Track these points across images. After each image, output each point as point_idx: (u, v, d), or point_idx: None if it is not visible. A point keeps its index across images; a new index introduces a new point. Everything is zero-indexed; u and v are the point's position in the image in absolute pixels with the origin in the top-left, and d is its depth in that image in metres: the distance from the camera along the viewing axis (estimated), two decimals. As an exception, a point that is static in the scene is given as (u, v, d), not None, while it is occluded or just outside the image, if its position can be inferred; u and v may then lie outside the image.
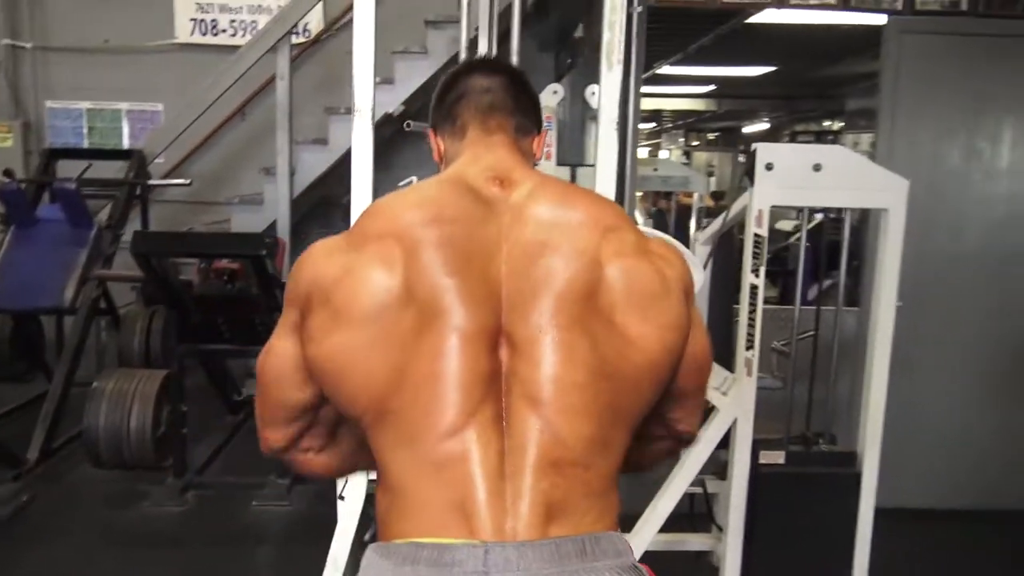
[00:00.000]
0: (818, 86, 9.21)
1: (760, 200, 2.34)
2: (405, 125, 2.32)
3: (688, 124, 13.91)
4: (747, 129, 13.65)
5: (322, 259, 1.05)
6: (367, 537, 2.39)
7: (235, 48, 5.13)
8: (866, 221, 3.51)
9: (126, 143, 6.03)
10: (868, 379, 2.45)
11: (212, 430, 4.35)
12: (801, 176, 2.32)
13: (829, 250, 3.60)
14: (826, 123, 12.11)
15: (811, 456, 2.52)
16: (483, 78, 1.21)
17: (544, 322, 0.98)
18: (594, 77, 2.28)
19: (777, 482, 2.45)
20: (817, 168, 2.32)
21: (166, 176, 5.67)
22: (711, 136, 14.99)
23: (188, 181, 4.99)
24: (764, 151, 2.33)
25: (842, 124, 11.07)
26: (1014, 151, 3.48)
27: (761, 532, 2.45)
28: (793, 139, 12.05)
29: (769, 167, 2.32)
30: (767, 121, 12.68)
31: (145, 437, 3.34)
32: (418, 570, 0.90)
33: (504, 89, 1.20)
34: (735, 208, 2.54)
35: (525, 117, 1.22)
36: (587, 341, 0.98)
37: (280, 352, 1.07)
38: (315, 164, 5.29)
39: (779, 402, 2.60)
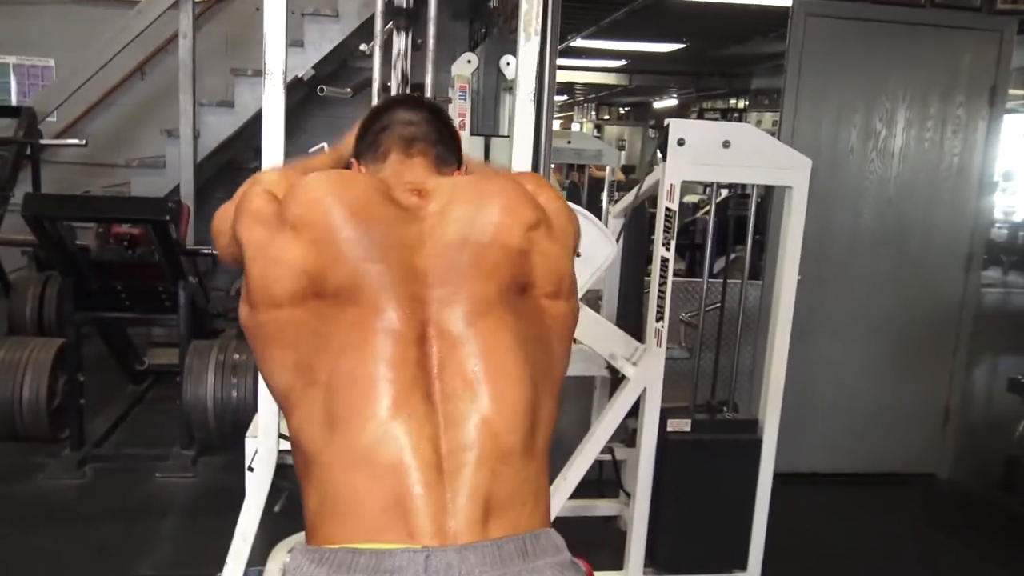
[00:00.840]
0: (725, 64, 9.46)
1: (672, 175, 2.39)
2: (319, 90, 2.27)
3: (600, 98, 14.05)
4: (657, 104, 13.88)
5: (256, 222, 1.08)
6: (277, 508, 2.36)
7: (134, 3, 4.88)
8: (769, 197, 3.63)
9: (14, 100, 5.69)
10: (770, 350, 2.55)
11: (113, 401, 4.20)
12: (711, 152, 2.38)
13: (735, 225, 3.72)
14: (732, 101, 12.44)
15: (715, 424, 2.61)
16: (407, 112, 1.27)
17: (470, 304, 1.00)
18: (508, 47, 2.27)
19: (683, 449, 2.53)
20: (726, 145, 2.38)
21: (59, 136, 5.39)
22: (622, 111, 15.19)
23: (83, 141, 4.75)
24: (676, 127, 2.37)
25: (746, 103, 11.41)
26: (906, 133, 3.65)
27: (667, 497, 2.54)
28: (701, 116, 12.32)
29: (681, 143, 2.37)
30: (676, 97, 12.92)
31: (39, 408, 3.19)
32: None
33: (427, 123, 1.26)
34: (647, 182, 2.59)
35: (446, 149, 1.27)
36: (512, 316, 1.02)
37: (222, 225, 1.16)
38: (220, 127, 5.12)
39: (686, 372, 2.68)
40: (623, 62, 9.84)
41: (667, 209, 2.39)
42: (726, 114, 12.28)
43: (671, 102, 13.27)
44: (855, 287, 3.73)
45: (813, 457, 3.75)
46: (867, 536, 3.42)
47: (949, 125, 3.67)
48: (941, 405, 3.88)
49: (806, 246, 2.49)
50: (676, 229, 2.40)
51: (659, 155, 2.45)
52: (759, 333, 3.26)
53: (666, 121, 2.42)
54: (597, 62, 9.68)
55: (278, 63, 2.00)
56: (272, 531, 2.25)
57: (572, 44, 7.14)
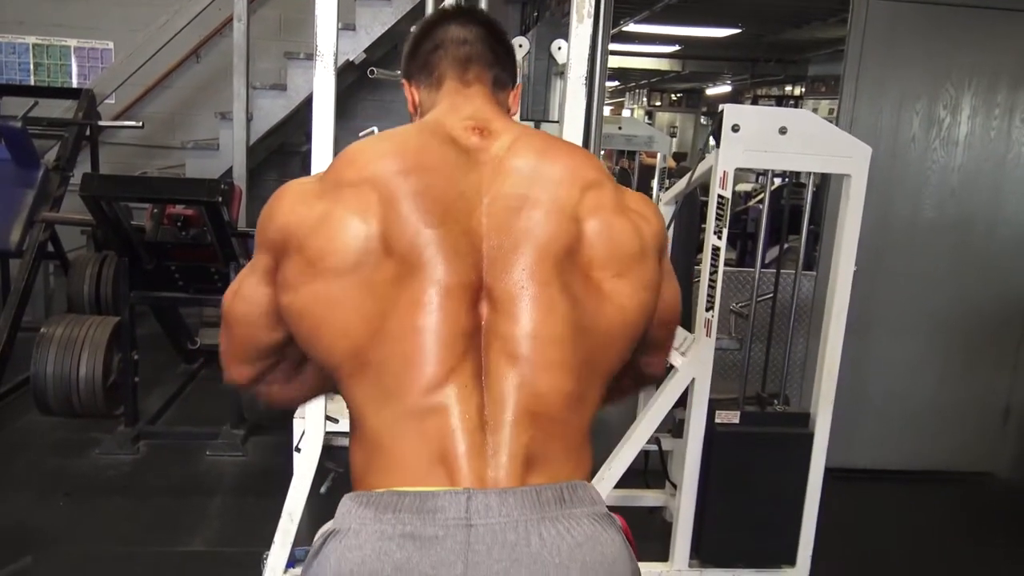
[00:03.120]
0: (782, 50, 9.23)
1: (725, 162, 2.34)
2: (369, 72, 2.26)
3: (652, 84, 13.86)
4: (710, 91, 13.64)
5: (297, 203, 1.02)
6: (323, 490, 2.39)
7: (191, -14, 4.94)
8: (825, 186, 3.55)
9: (75, 82, 5.82)
10: (824, 343, 2.49)
11: (165, 379, 4.30)
12: (766, 139, 2.32)
13: (789, 214, 3.63)
14: (787, 88, 12.17)
15: (765, 416, 2.56)
16: (460, 29, 1.18)
17: (524, 278, 0.97)
18: (560, 31, 2.24)
19: (731, 441, 2.49)
20: (783, 131, 2.32)
21: (117, 118, 5.50)
22: (674, 97, 14.98)
23: (139, 123, 4.84)
24: (731, 112, 2.32)
25: (803, 89, 11.14)
26: (971, 121, 3.52)
27: (714, 490, 2.50)
28: (755, 102, 12.08)
29: (735, 129, 2.32)
30: (730, 84, 12.69)
31: (95, 385, 3.27)
32: (400, 517, 0.89)
33: (482, 41, 1.18)
34: (700, 169, 2.54)
35: (503, 70, 1.20)
36: (566, 297, 0.98)
37: (249, 296, 1.06)
38: (273, 110, 5.17)
39: (735, 363, 2.64)
40: (676, 47, 9.68)
41: (719, 197, 2.34)
42: (781, 101, 12.02)
43: (725, 88, 13.03)
44: (913, 279, 3.63)
45: (865, 453, 3.67)
46: (919, 535, 3.33)
47: (1018, 113, 3.53)
48: (1002, 402, 3.76)
49: (863, 236, 2.42)
50: (728, 217, 2.35)
51: (712, 141, 2.40)
52: (812, 325, 3.20)
53: (720, 107, 2.36)
54: (650, 47, 9.53)
55: (329, 45, 2.00)
56: (319, 511, 2.27)
57: (625, 29, 7.03)
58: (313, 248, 0.97)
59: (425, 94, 1.19)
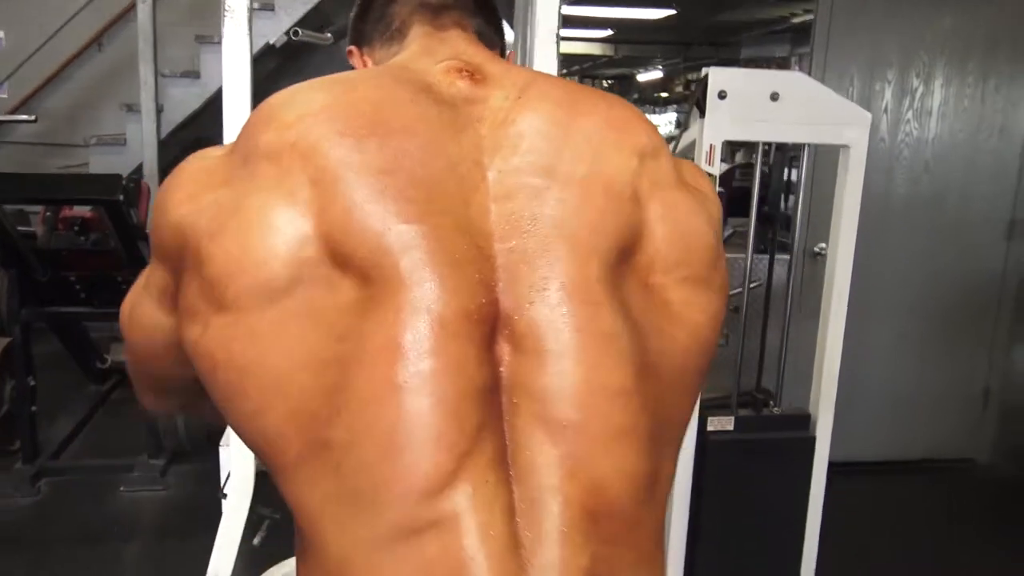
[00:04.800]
0: (715, 33, 9.08)
1: (711, 134, 2.04)
2: (293, 33, 1.88)
3: (583, 70, 13.63)
4: (641, 77, 13.48)
5: (193, 189, 0.67)
6: (256, 541, 2.01)
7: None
8: (778, 163, 3.31)
9: (-43, 73, 5.23)
10: (822, 335, 2.22)
11: (71, 405, 3.81)
12: (757, 107, 2.03)
13: (739, 196, 3.37)
14: (699, 79, 12.06)
15: (762, 420, 2.28)
16: None
17: (562, 297, 0.62)
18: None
19: (726, 450, 2.20)
20: (774, 98, 2.03)
21: (11, 113, 4.96)
22: (606, 83, 14.79)
23: (32, 117, 4.32)
24: (718, 77, 2.02)
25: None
26: (944, 90, 3.31)
27: (708, 504, 2.21)
28: (687, 88, 11.96)
29: (722, 95, 2.02)
30: (661, 68, 12.54)
31: (-17, 419, 2.81)
32: None
33: None
34: (683, 142, 2.23)
35: (487, 23, 0.85)
36: (625, 323, 0.64)
37: (146, 324, 0.75)
38: (186, 100, 4.71)
39: (723, 359, 2.36)
40: (608, 32, 9.45)
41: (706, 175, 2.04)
42: (694, 91, 11.91)
43: (656, 74, 12.88)
44: (886, 260, 3.40)
45: (842, 446, 3.43)
46: (909, 532, 3.12)
47: (992, 80, 3.33)
48: (981, 385, 3.57)
49: (828, 216, 2.17)
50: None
51: (696, 111, 2.09)
52: (787, 313, 2.95)
53: (704, 70, 2.06)
54: (581, 32, 9.28)
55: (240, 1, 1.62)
56: (252, 566, 1.90)
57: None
58: (217, 261, 0.62)
59: (383, 53, 0.84)
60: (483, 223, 0.63)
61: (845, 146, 2.11)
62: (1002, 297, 3.51)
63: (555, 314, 0.62)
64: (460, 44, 0.78)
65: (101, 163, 4.76)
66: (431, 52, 0.76)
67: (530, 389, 0.61)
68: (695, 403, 0.73)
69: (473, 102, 0.69)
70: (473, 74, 0.71)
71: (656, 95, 13.60)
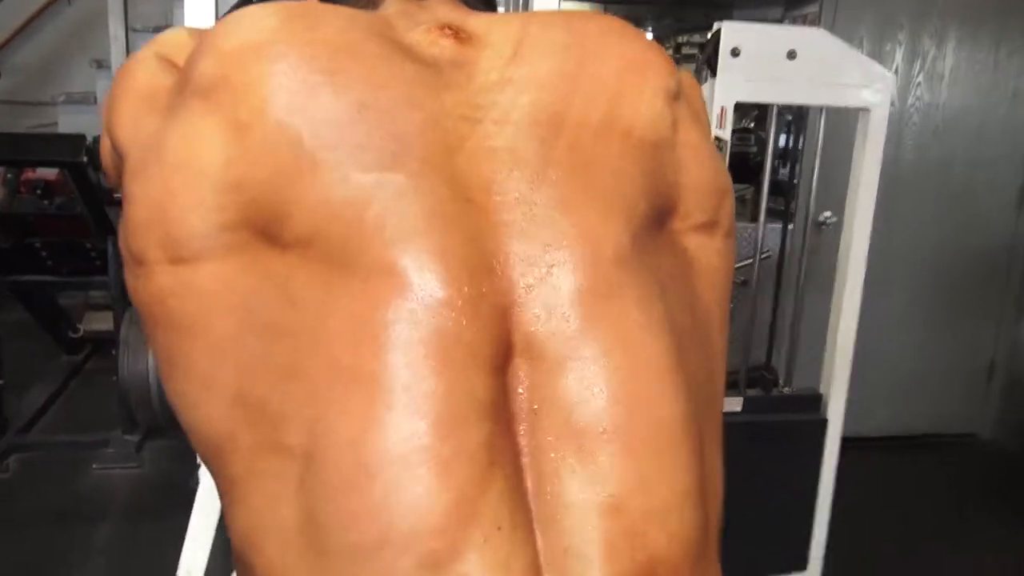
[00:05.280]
0: (708, -8, 8.88)
1: (724, 95, 1.89)
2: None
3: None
4: (630, 39, 13.26)
5: (134, 108, 0.56)
6: (234, 532, 1.89)
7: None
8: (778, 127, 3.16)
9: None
10: (836, 309, 2.10)
11: (43, 376, 3.64)
12: (773, 66, 1.88)
13: (734, 163, 3.24)
14: (710, 35, 11.90)
15: (771, 401, 2.16)
16: None
17: (593, 276, 0.48)
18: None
19: (733, 434, 2.08)
20: (792, 56, 1.89)
21: (-26, 69, 4.73)
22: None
23: (-5, 74, 4.10)
24: (731, 32, 1.87)
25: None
26: (956, 54, 3.16)
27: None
28: (677, 51, 11.77)
29: (735, 53, 1.87)
30: (651, 31, 12.33)
31: (-57, 394, 2.65)
32: None
33: None
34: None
35: None
36: (663, 300, 0.51)
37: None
38: (158, 56, 4.49)
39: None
40: (599, -10, 9.22)
41: (717, 139, 1.89)
42: (704, 49, 11.75)
43: (647, 36, 12.67)
44: (892, 229, 3.26)
45: (844, 421, 3.34)
46: (918, 509, 3.03)
47: (1004, 46, 3.18)
48: (987, 358, 3.48)
49: (837, 184, 2.07)
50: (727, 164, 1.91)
51: (707, 71, 1.94)
52: (797, 286, 2.83)
53: (716, 24, 1.91)
54: (572, -10, 9.05)
55: (210, -64, 1.44)
56: (228, 558, 1.77)
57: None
58: (137, 205, 0.52)
59: None
60: (477, 175, 0.50)
61: (865, 109, 1.97)
62: (1010, 267, 3.41)
63: (577, 285, 0.48)
64: (442, 9, 0.64)
65: (70, 122, 4.54)
66: (409, 16, 0.62)
67: (554, 391, 0.47)
68: (724, 374, 0.61)
69: (460, 64, 0.55)
70: (457, 33, 0.57)
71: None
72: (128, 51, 4.28)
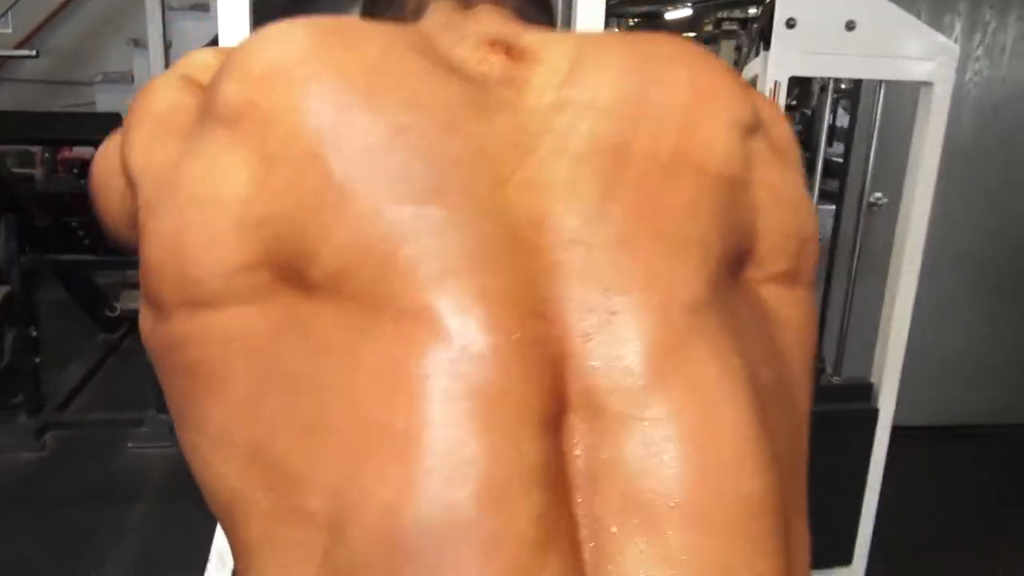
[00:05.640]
0: (752, -34, 8.66)
1: (777, 68, 1.79)
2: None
3: (609, 7, 13.21)
4: (669, 16, 13.04)
5: (151, 131, 0.52)
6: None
7: None
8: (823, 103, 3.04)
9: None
10: (890, 295, 2.01)
11: (80, 354, 3.66)
12: (830, 37, 1.78)
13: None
14: (752, 10, 11.63)
15: (820, 391, 2.07)
16: None
17: (665, 329, 0.43)
18: None
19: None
20: (850, 27, 1.78)
21: (14, 48, 4.74)
22: (632, 23, 14.34)
23: (34, 52, 4.09)
24: (786, 2, 1.76)
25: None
26: (1019, 24, 3.01)
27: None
28: (717, 26, 11.54)
29: (791, 24, 1.77)
30: (690, 6, 12.09)
31: (-19, 371, 2.66)
32: None
33: None
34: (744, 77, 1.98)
35: (527, 1, 0.64)
36: (746, 365, 0.45)
37: (109, 181, 0.59)
38: (196, 34, 4.44)
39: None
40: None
41: (768, 115, 1.80)
42: (745, 24, 11.49)
43: (686, 12, 12.44)
44: (947, 211, 3.13)
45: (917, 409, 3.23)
46: (968, 502, 2.92)
47: (1070, 14, 3.02)
48: (1042, 348, 3.34)
49: (888, 164, 2.02)
50: (781, 141, 1.82)
51: (760, 43, 1.85)
52: (852, 271, 2.73)
53: (769, -6, 1.81)
54: (611, -34, 8.90)
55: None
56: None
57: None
58: (152, 241, 0.47)
59: None
60: (527, 209, 0.44)
61: (927, 83, 1.86)
62: (1069, 252, 3.25)
63: (644, 334, 0.42)
64: (491, 20, 0.58)
65: (108, 101, 4.55)
66: (455, 28, 0.57)
67: (616, 455, 0.40)
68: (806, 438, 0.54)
69: (511, 83, 0.49)
70: (510, 49, 0.51)
71: (684, 36, 13.20)
72: (165, 30, 4.26)
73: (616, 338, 0.42)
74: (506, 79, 0.49)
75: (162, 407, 3.05)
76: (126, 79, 4.58)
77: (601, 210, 0.44)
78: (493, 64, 0.50)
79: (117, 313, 3.85)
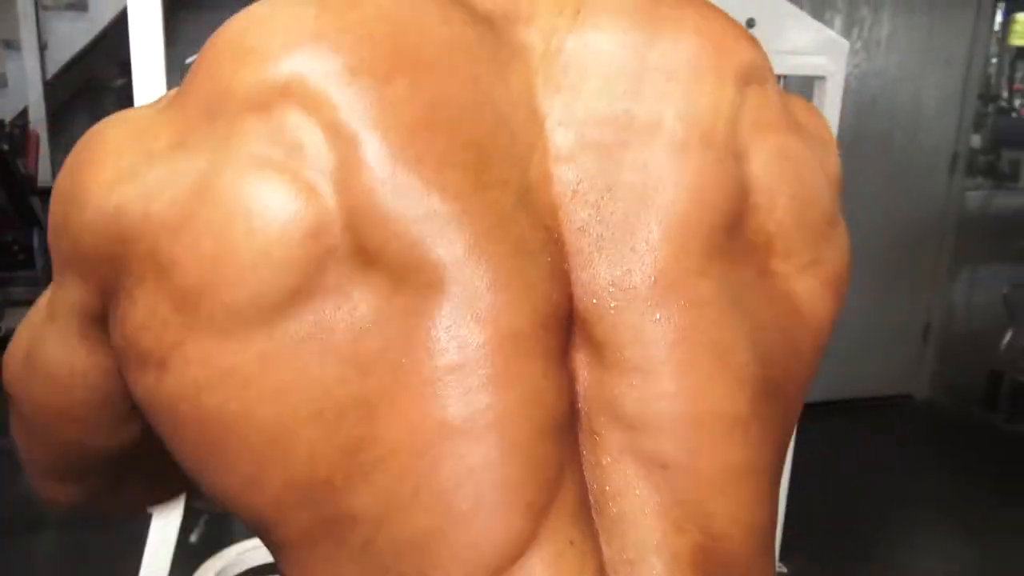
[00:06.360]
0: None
1: (684, 65, 1.86)
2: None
3: None
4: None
5: (121, 164, 0.44)
6: (193, 538, 1.79)
7: None
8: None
9: None
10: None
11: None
12: (731, 34, 1.86)
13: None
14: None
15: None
16: None
17: (655, 294, 0.45)
18: None
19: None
20: (751, 24, 1.86)
21: None
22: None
23: None
24: (690, 1, 1.83)
25: None
26: (893, 20, 3.22)
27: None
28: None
29: (695, 22, 1.84)
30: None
31: None
32: None
33: None
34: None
35: None
36: (740, 326, 0.47)
37: (55, 368, 0.51)
38: (73, 35, 4.24)
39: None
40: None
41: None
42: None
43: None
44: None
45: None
46: (864, 475, 3.11)
47: (938, 10, 3.25)
48: (922, 321, 3.59)
49: None
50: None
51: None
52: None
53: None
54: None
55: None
56: (189, 567, 1.69)
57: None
58: (186, 267, 0.41)
59: None
60: (547, 195, 0.45)
61: (821, 77, 1.97)
62: (943, 231, 3.51)
63: (645, 319, 0.44)
64: None
65: (-20, 108, 4.27)
66: None
67: (618, 416, 0.44)
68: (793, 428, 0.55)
69: (516, 20, 0.47)
70: None
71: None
72: (39, 30, 4.04)
73: (620, 325, 0.44)
74: (512, 15, 0.47)
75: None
76: (0, 82, 4.32)
77: (608, 193, 0.45)
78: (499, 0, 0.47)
79: (2, 333, 3.63)
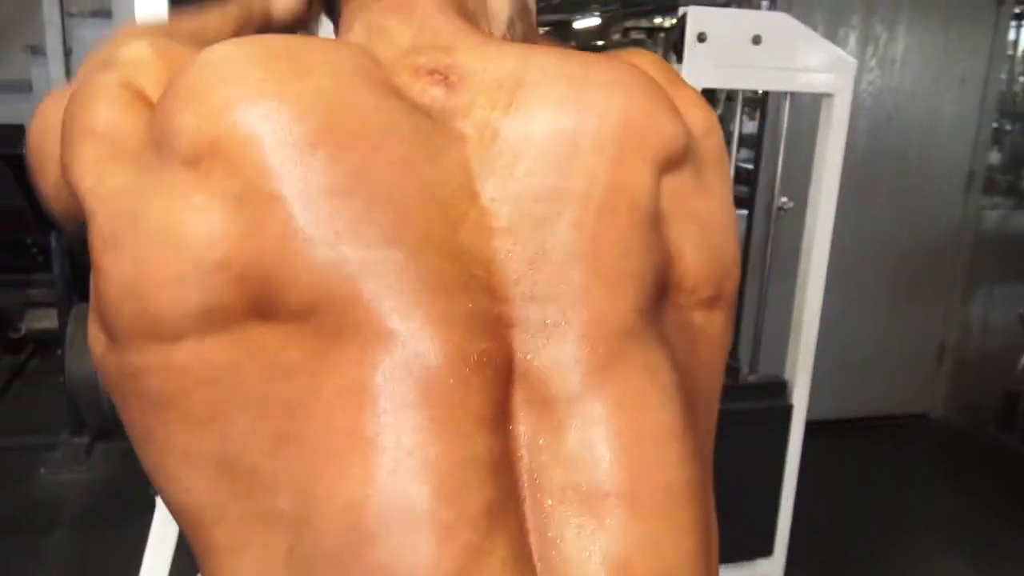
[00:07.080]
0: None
1: (691, 81, 1.85)
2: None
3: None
4: (578, 24, 13.20)
5: (97, 154, 0.49)
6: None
7: None
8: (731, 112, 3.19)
9: None
10: (800, 294, 2.11)
11: (-17, 378, 3.51)
12: (739, 51, 1.87)
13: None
14: (657, 20, 11.88)
15: (738, 389, 2.16)
16: None
17: (589, 331, 0.48)
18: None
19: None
20: (756, 41, 1.87)
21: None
22: (541, 31, 14.46)
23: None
24: (697, 17, 1.84)
25: (673, 21, 10.87)
26: (908, 37, 3.20)
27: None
28: (625, 35, 11.74)
29: (702, 38, 1.85)
30: (598, 15, 12.26)
31: None
32: None
33: None
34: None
35: None
36: (668, 359, 0.51)
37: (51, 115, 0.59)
38: (96, 42, 4.31)
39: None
40: (549, -27, 9.17)
41: (683, 126, 1.88)
42: (652, 33, 11.75)
43: (593, 20, 12.64)
44: (845, 215, 3.28)
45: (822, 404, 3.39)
46: (875, 490, 3.08)
47: (954, 28, 3.23)
48: (936, 340, 3.55)
49: (794, 171, 2.15)
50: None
51: (673, 56, 1.92)
52: (764, 273, 2.86)
53: (681, 9, 1.88)
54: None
55: (159, -83, 1.37)
56: (188, 567, 1.71)
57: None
58: (110, 279, 0.47)
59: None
60: (478, 251, 0.47)
61: (828, 95, 1.97)
62: (958, 250, 3.48)
63: (580, 353, 0.47)
64: (427, 8, 0.57)
65: (6, 112, 4.32)
66: (385, 33, 0.56)
67: (555, 454, 0.46)
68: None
69: (452, 114, 0.51)
70: (447, 77, 0.52)
71: (592, 44, 13.38)
72: (64, 37, 4.11)
73: (555, 358, 0.47)
74: (448, 109, 0.51)
75: (76, 430, 2.94)
76: (23, 88, 4.40)
77: (542, 254, 0.48)
78: (435, 96, 0.51)
79: (22, 334, 3.69)
